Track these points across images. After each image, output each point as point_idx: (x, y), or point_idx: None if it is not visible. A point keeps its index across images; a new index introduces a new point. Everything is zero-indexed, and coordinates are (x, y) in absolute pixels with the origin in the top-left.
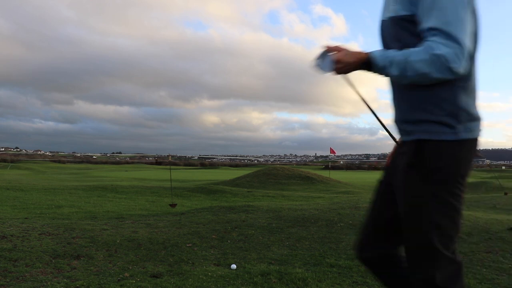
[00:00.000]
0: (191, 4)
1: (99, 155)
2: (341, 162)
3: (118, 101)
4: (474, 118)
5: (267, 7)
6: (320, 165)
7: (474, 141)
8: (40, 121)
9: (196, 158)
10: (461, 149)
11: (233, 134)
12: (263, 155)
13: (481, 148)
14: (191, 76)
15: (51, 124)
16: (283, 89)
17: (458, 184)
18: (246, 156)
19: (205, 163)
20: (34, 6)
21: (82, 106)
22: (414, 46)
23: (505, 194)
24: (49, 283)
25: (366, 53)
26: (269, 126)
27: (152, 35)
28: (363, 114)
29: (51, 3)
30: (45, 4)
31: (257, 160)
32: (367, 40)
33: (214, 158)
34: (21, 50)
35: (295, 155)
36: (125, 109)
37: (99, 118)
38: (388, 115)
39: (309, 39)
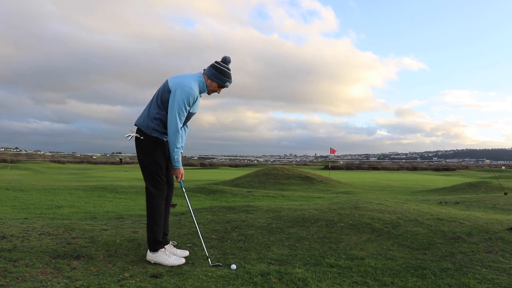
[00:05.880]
0: None
1: (99, 155)
2: (341, 162)
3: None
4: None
5: (254, 1)
6: (320, 165)
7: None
8: (35, 121)
9: (196, 158)
10: None
11: (230, 133)
12: (263, 155)
13: (481, 148)
14: None
15: (46, 124)
16: (276, 87)
17: None
18: (246, 156)
19: (205, 163)
20: (16, 1)
21: (75, 106)
22: None
23: (505, 194)
24: (49, 283)
25: None
26: (265, 125)
27: (140, 32)
28: (360, 113)
29: None
30: None
31: (257, 160)
32: (359, 37)
33: (214, 158)
34: (8, 48)
35: (295, 155)
36: (118, 109)
37: (94, 117)
38: (384, 114)
39: (300, 35)
